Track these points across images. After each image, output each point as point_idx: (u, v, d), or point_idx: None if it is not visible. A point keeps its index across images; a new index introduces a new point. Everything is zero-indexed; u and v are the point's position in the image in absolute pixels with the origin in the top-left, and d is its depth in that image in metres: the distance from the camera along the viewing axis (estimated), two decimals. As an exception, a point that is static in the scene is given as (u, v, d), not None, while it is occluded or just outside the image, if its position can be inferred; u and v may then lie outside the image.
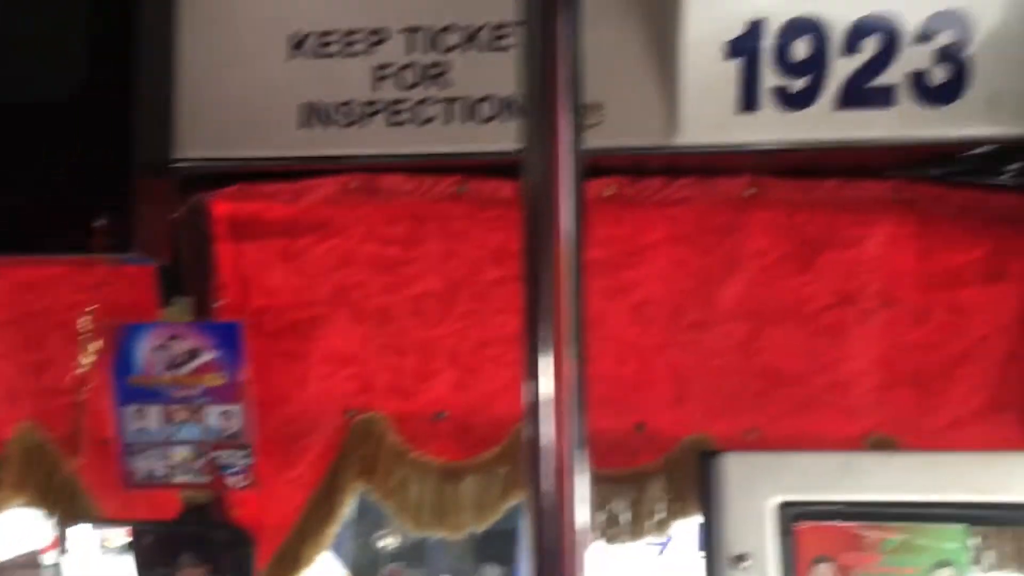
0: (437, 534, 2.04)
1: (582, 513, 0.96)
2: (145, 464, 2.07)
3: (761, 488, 1.67)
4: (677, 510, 1.97)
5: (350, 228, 2.02)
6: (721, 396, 1.95)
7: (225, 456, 2.05)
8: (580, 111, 0.98)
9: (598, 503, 1.97)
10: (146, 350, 2.02)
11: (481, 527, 2.03)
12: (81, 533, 2.08)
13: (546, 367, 0.98)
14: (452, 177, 1.95)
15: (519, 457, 2.00)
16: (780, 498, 1.66)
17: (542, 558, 0.95)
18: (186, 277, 2.03)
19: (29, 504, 2.12)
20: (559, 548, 0.94)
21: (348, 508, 2.08)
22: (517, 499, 2.02)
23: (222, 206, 2.02)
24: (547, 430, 0.95)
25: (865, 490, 1.67)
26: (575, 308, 0.98)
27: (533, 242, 1.00)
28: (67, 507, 2.12)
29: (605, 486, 1.97)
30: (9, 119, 1.58)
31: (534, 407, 0.97)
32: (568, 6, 0.96)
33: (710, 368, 1.96)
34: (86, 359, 1.65)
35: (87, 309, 1.65)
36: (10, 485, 2.10)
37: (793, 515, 1.66)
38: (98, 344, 1.66)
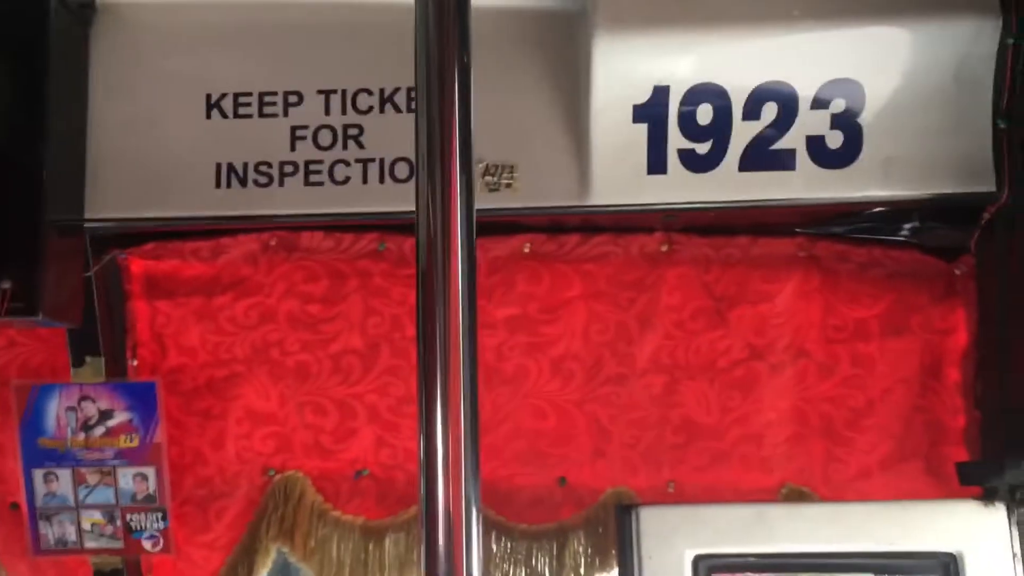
0: (361, 595, 2.00)
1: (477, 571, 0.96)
2: (55, 529, 2.01)
3: (677, 542, 1.69)
4: (597, 564, 1.98)
5: (269, 286, 2.02)
6: (639, 449, 1.98)
7: (139, 520, 2.00)
8: (473, 170, 1.00)
9: (520, 559, 1.97)
10: (57, 411, 1.98)
11: (402, 586, 2.01)
12: (-15, 604, 2.00)
13: (441, 427, 0.98)
14: (371, 235, 1.97)
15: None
16: (695, 551, 1.68)
17: None
18: (100, 336, 1.99)
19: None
20: None
21: (266, 571, 2.04)
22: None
23: (138, 264, 2.00)
24: (443, 489, 0.95)
25: (777, 541, 1.70)
26: (469, 367, 0.99)
27: (427, 301, 1.01)
28: (-30, 577, 2.04)
29: (526, 541, 1.98)
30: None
31: (430, 466, 0.98)
32: (461, 70, 0.99)
33: (629, 421, 1.99)
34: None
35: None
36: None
37: (708, 568, 1.68)
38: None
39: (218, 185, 1.74)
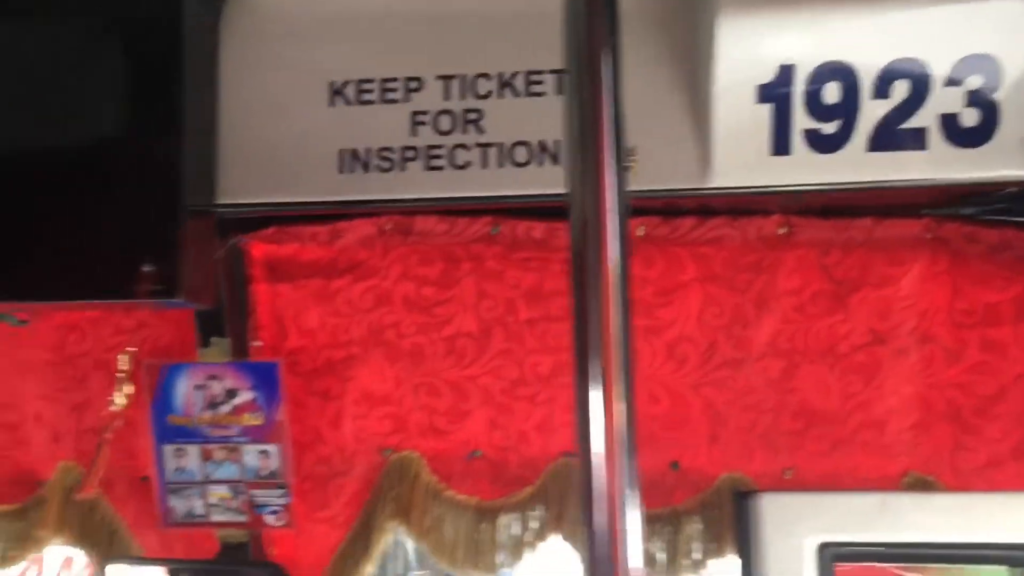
0: (472, 573, 2.03)
1: (635, 555, 0.97)
2: (184, 503, 2.09)
3: (799, 529, 1.66)
4: (713, 550, 1.96)
5: (385, 269, 2.06)
6: (756, 435, 1.96)
7: (262, 495, 2.07)
8: (622, 153, 1.01)
9: (634, 543, 1.97)
10: (185, 390, 2.05)
11: (515, 566, 2.03)
12: (119, 572, 2.09)
13: (597, 406, 0.99)
14: (485, 219, 1.99)
15: (553, 496, 2.01)
16: (819, 539, 1.65)
17: None
18: (224, 318, 2.06)
19: (69, 543, 2.14)
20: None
21: (383, 547, 2.09)
22: (552, 538, 2.03)
23: (259, 248, 2.06)
24: (599, 470, 0.96)
25: (903, 530, 1.66)
26: (624, 345, 1.00)
27: (581, 281, 1.02)
28: (106, 546, 2.14)
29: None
30: (61, 165, 1.63)
31: (586, 447, 0.99)
32: (609, 52, 0.99)
33: (744, 406, 1.96)
34: (119, 399, 1.68)
35: (126, 349, 1.67)
36: (51, 524, 2.12)
37: (832, 556, 1.65)
38: (131, 386, 1.69)
39: (340, 171, 1.77)
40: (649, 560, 1.95)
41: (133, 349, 1.66)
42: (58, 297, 1.59)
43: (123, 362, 1.66)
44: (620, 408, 0.98)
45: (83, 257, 1.58)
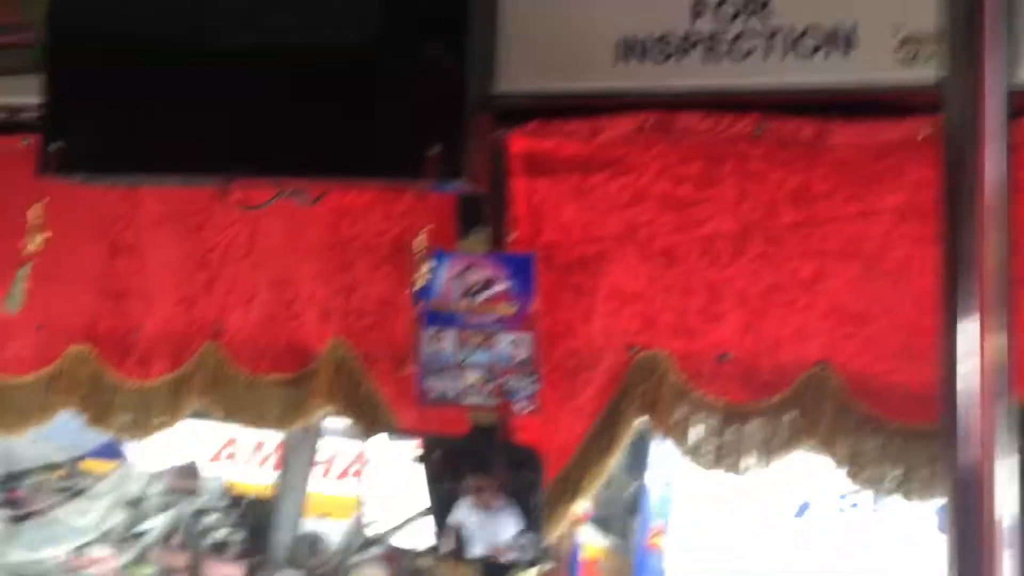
0: (719, 472, 2.03)
1: (1009, 492, 0.90)
2: (440, 384, 2.21)
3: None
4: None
5: (643, 166, 2.04)
6: None
7: (513, 382, 2.15)
8: (1010, 41, 0.89)
9: (894, 456, 1.90)
10: (445, 277, 2.14)
11: (765, 470, 2.01)
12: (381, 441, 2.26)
13: (966, 332, 0.91)
14: (750, 116, 1.92)
15: (806, 405, 1.96)
16: None
17: (963, 534, 0.89)
18: (485, 209, 2.13)
19: (337, 413, 2.32)
20: (979, 527, 0.88)
21: (628, 440, 2.13)
22: (802, 446, 1.99)
23: (520, 142, 2.10)
24: (967, 402, 0.89)
25: None
26: (1002, 265, 0.90)
27: (953, 188, 0.92)
28: (369, 418, 2.30)
29: (901, 439, 1.90)
30: (361, 54, 1.71)
31: (951, 380, 0.91)
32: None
33: None
34: (419, 279, 1.78)
35: (423, 229, 1.76)
36: (321, 394, 2.30)
37: None
38: (426, 266, 1.78)
39: (616, 60, 1.76)
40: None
41: (430, 226, 1.74)
42: (355, 175, 1.70)
43: (420, 243, 1.75)
44: (996, 341, 0.89)
45: (376, 139, 1.67)
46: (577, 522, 2.25)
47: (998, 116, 0.88)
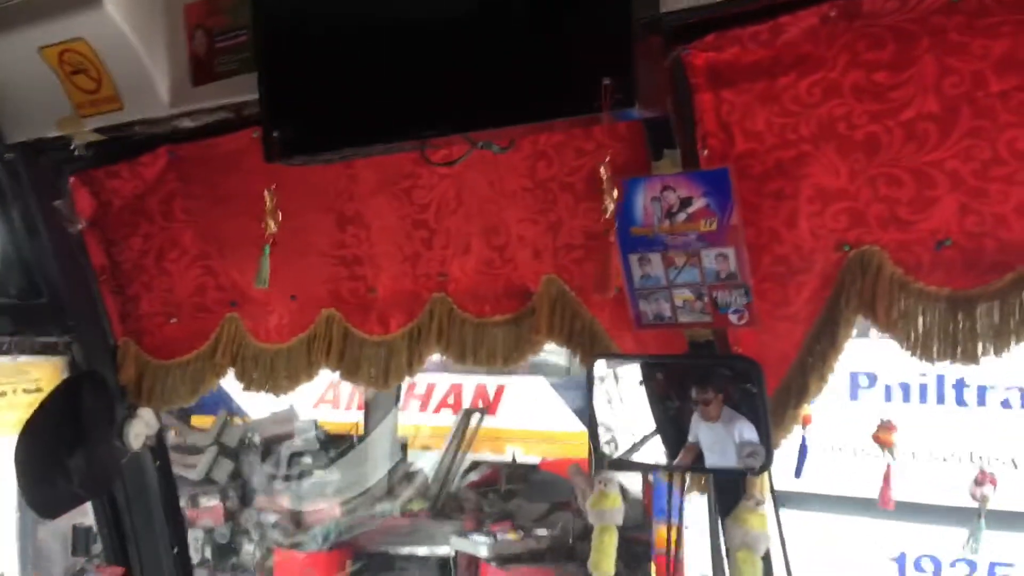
0: (952, 363, 1.96)
1: None
2: (652, 307, 2.26)
3: None
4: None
5: (832, 59, 1.98)
6: None
7: (724, 296, 2.17)
8: None
9: None
10: (643, 202, 2.18)
11: (1001, 356, 1.91)
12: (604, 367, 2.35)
13: None
14: (943, -14, 1.81)
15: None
16: None
17: None
18: (673, 130, 2.15)
19: (559, 343, 2.45)
20: None
21: (849, 340, 2.09)
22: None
23: (700, 57, 2.09)
24: None
25: None
26: None
27: None
28: (588, 346, 2.41)
29: None
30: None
31: None
32: None
33: None
34: (609, 204, 1.84)
35: (604, 160, 1.82)
36: (543, 329, 2.43)
37: None
38: (614, 192, 1.84)
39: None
40: None
41: (609, 155, 1.80)
42: (536, 117, 1.78)
43: (605, 171, 1.81)
44: None
45: (550, 79, 1.74)
46: (804, 424, 2.23)
47: None
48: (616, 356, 2.37)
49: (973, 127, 1.87)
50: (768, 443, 2.05)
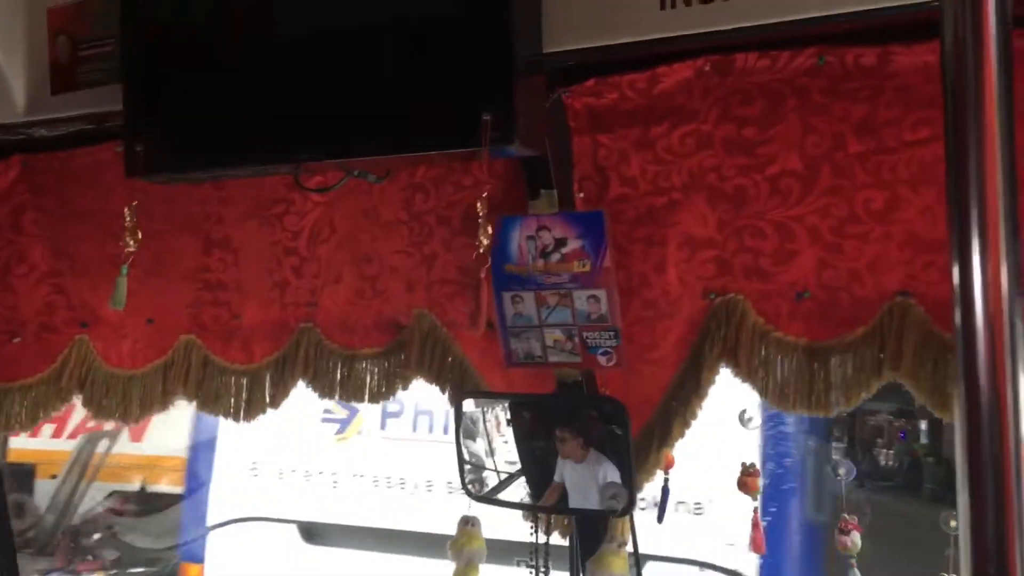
0: (804, 413, 2.03)
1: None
2: (523, 345, 2.26)
3: None
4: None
5: (704, 112, 2.03)
6: None
7: (594, 337, 2.18)
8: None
9: None
10: (519, 241, 2.19)
11: (850, 407, 2.00)
12: (472, 404, 2.33)
13: (976, 259, 0.90)
14: (810, 50, 1.90)
15: (889, 336, 1.93)
16: None
17: (976, 461, 0.89)
18: (551, 171, 2.16)
19: (428, 380, 2.41)
20: (997, 453, 0.87)
21: (712, 385, 2.14)
22: (886, 378, 1.96)
23: (580, 101, 2.12)
24: (982, 327, 0.89)
25: None
26: (1008, 192, 0.88)
27: (956, 111, 0.90)
28: (457, 383, 2.38)
29: None
30: (398, 29, 1.76)
31: (967, 303, 0.91)
32: None
33: None
34: (484, 239, 1.83)
35: (481, 196, 1.81)
36: (412, 364, 2.39)
37: None
38: (489, 229, 1.83)
39: (662, 7, 1.76)
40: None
41: (486, 191, 1.79)
42: (413, 148, 1.75)
43: (481, 207, 1.80)
44: (1004, 265, 0.88)
45: (429, 111, 1.73)
46: (667, 467, 2.27)
47: (999, 33, 0.85)
48: (485, 394, 2.36)
49: (832, 185, 1.95)
50: (631, 485, 2.06)
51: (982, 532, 0.89)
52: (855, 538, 2.33)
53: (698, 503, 5.61)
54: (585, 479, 2.17)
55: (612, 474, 2.12)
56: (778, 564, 5.60)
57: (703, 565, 5.52)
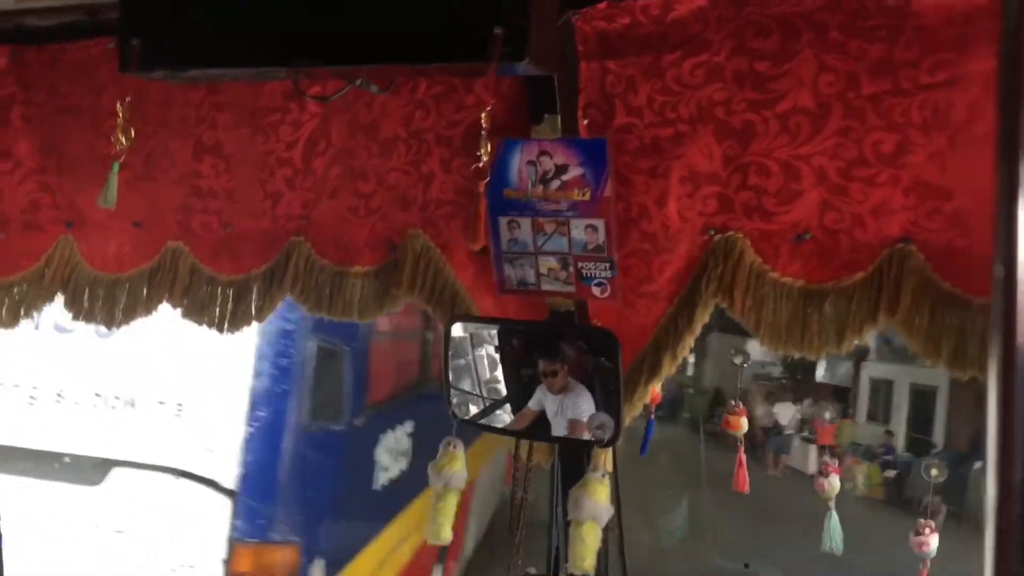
0: (796, 353, 2.03)
1: None
2: (517, 272, 2.24)
3: None
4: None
5: (718, 43, 1.98)
6: None
7: (589, 267, 2.16)
8: None
9: None
10: (519, 165, 2.14)
11: (841, 350, 1.99)
12: (462, 328, 2.31)
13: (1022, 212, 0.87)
14: (828, -17, 1.85)
15: (888, 283, 1.92)
16: None
17: (1008, 419, 0.87)
18: (556, 95, 2.11)
19: (419, 301, 2.38)
20: None
21: (704, 322, 2.13)
22: (880, 325, 1.96)
23: (590, 25, 2.06)
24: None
25: None
26: None
27: (1014, 54, 0.86)
28: (449, 306, 2.36)
29: None
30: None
31: (1009, 257, 0.88)
32: None
33: None
34: (484, 155, 1.78)
35: (485, 111, 1.76)
36: (404, 285, 2.36)
37: None
38: (489, 146, 1.78)
39: (685, -72, 1.69)
40: None
41: (489, 107, 1.74)
42: (420, 59, 1.69)
43: (485, 122, 1.75)
44: None
45: (440, 22, 1.66)
46: (652, 402, 2.27)
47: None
48: (475, 319, 2.34)
49: (843, 126, 1.92)
50: (619, 417, 2.06)
51: (1009, 493, 0.88)
52: (834, 481, 2.36)
53: (180, 404, 5.17)
54: (565, 410, 2.17)
55: (589, 406, 2.12)
56: (265, 474, 5.12)
57: (179, 473, 5.02)
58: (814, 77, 1.92)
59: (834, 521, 2.36)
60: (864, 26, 1.86)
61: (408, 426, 7.04)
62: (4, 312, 2.74)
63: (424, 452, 5.98)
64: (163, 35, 1.79)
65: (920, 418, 23.43)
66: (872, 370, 25.08)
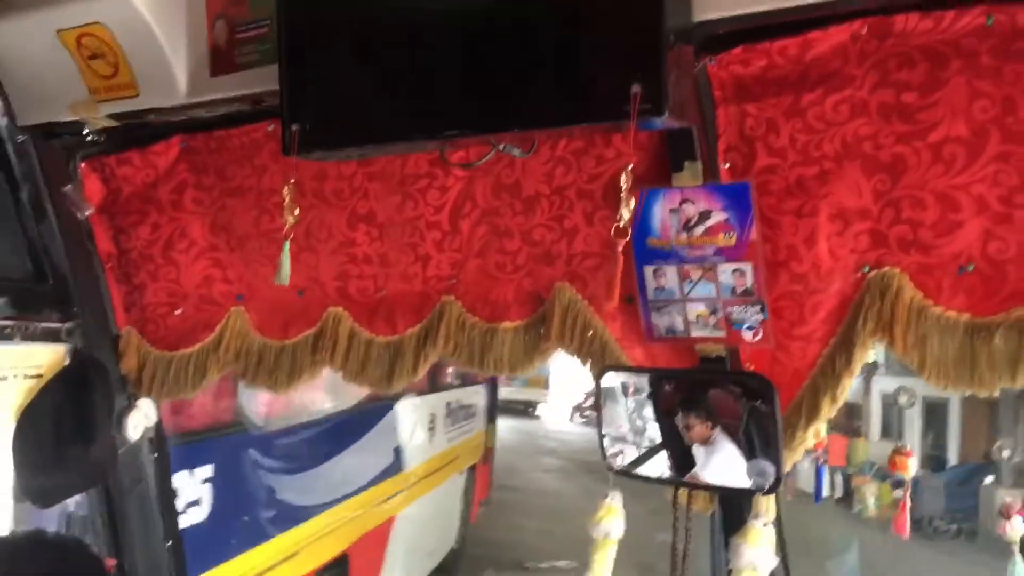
0: (965, 390, 1.94)
1: None
2: (665, 320, 2.24)
3: None
4: None
5: (860, 78, 1.95)
6: None
7: (739, 312, 2.14)
8: None
9: None
10: (661, 214, 2.16)
11: (1016, 385, 1.89)
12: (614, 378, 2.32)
13: None
14: (977, 8, 1.79)
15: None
16: None
17: None
18: (695, 142, 2.12)
19: (569, 353, 2.41)
20: None
21: (864, 362, 2.07)
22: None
23: (726, 70, 2.07)
24: None
25: None
26: None
27: None
28: (599, 357, 2.38)
29: None
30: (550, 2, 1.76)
31: None
32: None
33: None
34: (625, 212, 1.81)
35: (625, 168, 1.79)
36: (553, 338, 2.40)
37: None
38: (631, 202, 1.81)
39: (820, -32, 1.69)
40: None
41: (631, 163, 1.77)
42: (562, 122, 1.75)
43: (625, 180, 1.78)
44: None
45: (579, 84, 1.71)
46: (817, 447, 2.21)
47: None
48: (626, 368, 2.34)
49: (1001, 152, 1.85)
50: (779, 462, 2.02)
51: None
52: (1016, 524, 2.22)
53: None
54: (708, 461, 2.15)
55: (722, 460, 2.09)
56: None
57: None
58: (967, 104, 1.86)
59: (1019, 568, 2.22)
60: (1017, 48, 1.79)
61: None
62: (186, 381, 2.93)
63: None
64: (320, 119, 1.92)
65: (934, 432, 21.87)
66: (884, 384, 23.24)
